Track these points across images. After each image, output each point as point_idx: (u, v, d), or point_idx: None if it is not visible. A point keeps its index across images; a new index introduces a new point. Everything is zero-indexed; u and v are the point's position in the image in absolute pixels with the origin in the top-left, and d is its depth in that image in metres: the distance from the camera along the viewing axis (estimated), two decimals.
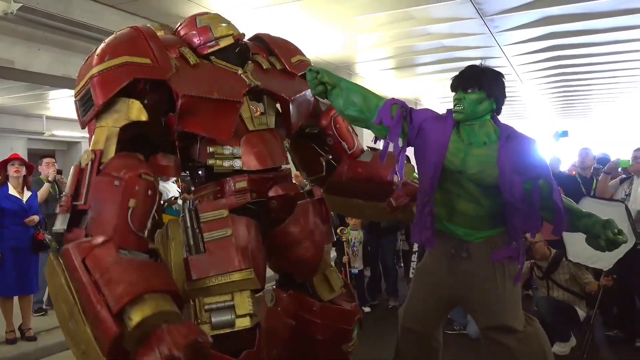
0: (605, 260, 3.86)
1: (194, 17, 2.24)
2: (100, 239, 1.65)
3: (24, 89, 10.21)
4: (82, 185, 1.78)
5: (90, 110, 1.90)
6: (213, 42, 2.16)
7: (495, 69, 2.41)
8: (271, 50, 2.42)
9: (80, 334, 1.58)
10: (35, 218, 4.93)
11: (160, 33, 2.19)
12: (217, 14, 2.31)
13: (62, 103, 12.19)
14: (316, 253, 2.29)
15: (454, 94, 2.35)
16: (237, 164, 2.16)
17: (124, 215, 1.71)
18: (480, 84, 2.28)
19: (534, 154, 2.29)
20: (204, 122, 2.05)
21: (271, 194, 2.23)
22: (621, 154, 5.10)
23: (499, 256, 2.37)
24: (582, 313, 4.40)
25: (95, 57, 1.94)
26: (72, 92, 8.19)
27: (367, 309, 5.73)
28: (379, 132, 2.38)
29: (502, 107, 2.40)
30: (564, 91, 13.68)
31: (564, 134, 5.54)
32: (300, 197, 2.29)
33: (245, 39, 2.40)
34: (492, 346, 2.43)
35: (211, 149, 2.14)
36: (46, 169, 5.74)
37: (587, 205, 4.16)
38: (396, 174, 2.39)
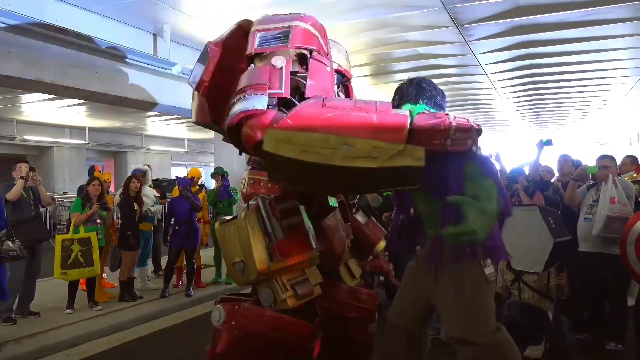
0: (536, 264, 3.98)
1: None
2: (324, 97, 2.09)
3: None
4: (279, 80, 2.14)
5: (276, 43, 2.28)
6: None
7: (432, 82, 2.67)
8: (347, 90, 2.84)
9: (359, 147, 1.87)
10: None
11: None
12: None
13: (34, 107, 11.98)
14: (341, 246, 2.67)
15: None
16: None
17: (333, 93, 2.29)
18: (400, 98, 2.62)
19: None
20: None
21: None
22: (591, 161, 5.19)
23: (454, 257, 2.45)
24: (552, 315, 4.47)
25: (307, 21, 2.35)
26: (43, 95, 8.08)
27: None
28: None
29: (441, 102, 2.63)
30: (537, 99, 13.92)
31: (549, 142, 5.60)
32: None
33: None
34: (457, 354, 2.51)
35: None
36: (18, 172, 5.59)
37: (514, 212, 4.29)
38: None
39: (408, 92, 2.58)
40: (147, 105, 7.89)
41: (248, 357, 2.27)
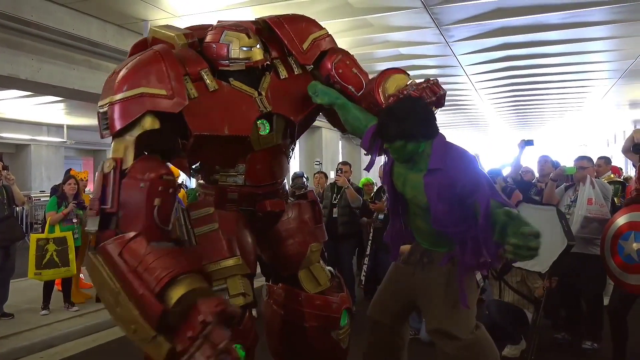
0: (542, 263, 3.98)
1: (222, 29, 2.31)
2: (131, 234, 1.88)
3: None
4: (108, 191, 1.97)
5: (106, 130, 2.10)
6: (226, 62, 2.26)
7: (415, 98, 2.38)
8: (284, 45, 2.45)
9: (128, 316, 1.80)
10: None
11: (182, 42, 2.27)
12: (245, 31, 2.30)
13: (10, 104, 11.75)
14: (299, 251, 2.58)
15: None
16: (240, 180, 2.39)
17: (150, 214, 1.92)
18: (395, 136, 2.29)
19: (464, 181, 2.23)
20: (213, 153, 2.27)
21: (259, 208, 2.46)
22: (570, 162, 5.27)
23: (466, 268, 2.39)
24: (531, 316, 4.51)
25: (117, 81, 2.07)
26: (20, 92, 8.03)
27: None
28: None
29: (434, 127, 2.36)
30: (517, 100, 14.08)
31: (530, 142, 5.65)
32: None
33: (259, 23, 2.45)
34: (437, 351, 2.51)
35: (218, 167, 2.38)
36: None
37: (523, 210, 4.30)
38: None
39: (397, 131, 2.27)
40: None
41: None
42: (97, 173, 2.07)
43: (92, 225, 1.97)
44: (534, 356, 4.08)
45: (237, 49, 2.25)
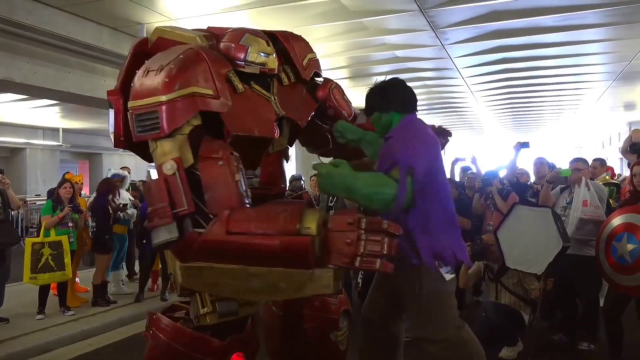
0: (538, 265, 4.00)
1: (243, 32, 2.34)
2: (226, 212, 1.82)
3: None
4: (178, 192, 1.89)
5: (151, 131, 1.99)
6: (242, 64, 2.28)
7: (396, 78, 2.68)
8: (286, 53, 2.55)
9: (270, 278, 1.76)
10: None
11: (204, 44, 2.29)
12: (265, 38, 2.37)
13: (5, 108, 11.71)
14: None
15: None
16: (256, 182, 2.44)
17: (237, 189, 1.92)
18: (370, 109, 2.61)
19: (395, 147, 2.35)
20: (242, 153, 2.24)
21: None
22: (566, 164, 5.30)
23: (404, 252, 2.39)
24: (528, 318, 4.52)
25: (165, 80, 1.98)
26: (15, 96, 7.94)
27: None
28: None
29: (409, 104, 2.58)
30: (512, 102, 14.12)
31: (526, 145, 5.69)
32: None
33: (264, 34, 2.50)
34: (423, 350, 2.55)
35: None
36: None
37: (519, 212, 4.33)
38: None
39: (374, 102, 2.58)
40: None
41: None
42: (149, 182, 2.00)
43: (170, 233, 1.86)
44: (531, 357, 4.09)
45: (256, 53, 2.29)
